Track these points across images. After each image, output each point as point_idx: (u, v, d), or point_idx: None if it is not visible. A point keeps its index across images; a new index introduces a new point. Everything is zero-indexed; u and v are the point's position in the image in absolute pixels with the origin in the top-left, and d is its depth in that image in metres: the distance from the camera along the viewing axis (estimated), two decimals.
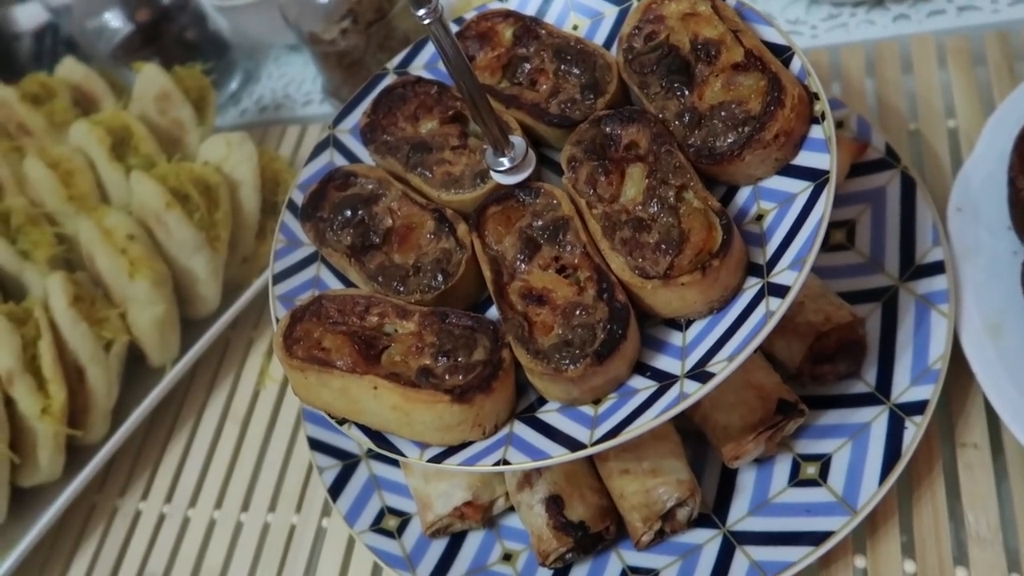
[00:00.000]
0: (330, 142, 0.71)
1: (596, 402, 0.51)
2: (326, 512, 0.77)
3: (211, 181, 0.88)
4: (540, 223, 0.56)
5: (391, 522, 0.69)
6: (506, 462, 0.49)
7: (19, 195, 0.97)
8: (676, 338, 0.52)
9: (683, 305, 0.51)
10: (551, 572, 0.62)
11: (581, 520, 0.60)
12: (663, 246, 0.51)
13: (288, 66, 1.24)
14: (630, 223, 0.53)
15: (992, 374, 0.57)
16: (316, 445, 0.74)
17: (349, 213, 0.62)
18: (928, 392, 0.57)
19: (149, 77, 1.02)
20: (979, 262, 0.63)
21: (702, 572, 0.57)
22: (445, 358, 0.52)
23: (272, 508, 0.80)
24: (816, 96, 0.54)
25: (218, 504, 0.83)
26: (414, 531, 0.68)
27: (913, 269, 0.64)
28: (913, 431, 0.56)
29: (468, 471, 0.50)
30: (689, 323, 0.52)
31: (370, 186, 0.64)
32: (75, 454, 0.85)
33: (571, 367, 0.49)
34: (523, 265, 0.55)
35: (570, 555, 0.61)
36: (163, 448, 0.89)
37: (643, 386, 0.50)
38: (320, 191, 0.64)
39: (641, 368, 0.52)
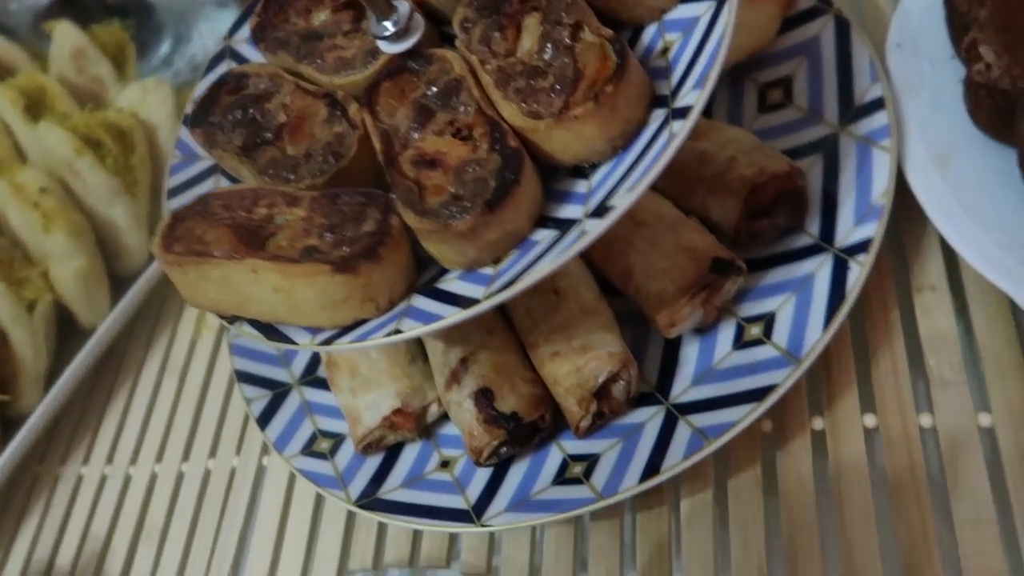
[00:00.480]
0: (226, 54, 0.67)
1: (497, 262, 0.47)
2: (266, 451, 0.73)
3: (124, 125, 0.84)
4: (434, 90, 0.52)
5: (323, 444, 0.64)
6: (398, 331, 0.45)
7: None
8: (582, 186, 0.47)
9: (583, 145, 0.46)
10: (489, 472, 0.58)
11: (513, 411, 0.56)
12: (557, 86, 0.46)
13: (219, 23, 1.19)
14: (524, 72, 0.49)
15: (942, 204, 0.52)
16: (244, 377, 0.70)
17: (240, 113, 0.58)
18: (872, 229, 0.52)
19: (63, 36, 0.97)
20: (922, 95, 0.58)
21: (643, 448, 0.53)
22: (331, 234, 0.48)
23: (212, 454, 0.76)
24: None
25: (159, 458, 0.79)
26: (348, 451, 0.63)
27: (853, 111, 0.59)
28: (858, 270, 0.51)
29: (360, 347, 0.45)
30: (596, 168, 0.48)
31: (263, 84, 0.59)
32: (12, 425, 0.81)
33: (460, 219, 0.44)
34: (416, 134, 0.50)
35: (504, 449, 0.56)
36: (103, 410, 0.85)
37: (544, 237, 0.46)
38: (211, 96, 0.60)
39: (544, 222, 0.47)
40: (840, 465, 0.52)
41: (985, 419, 0.50)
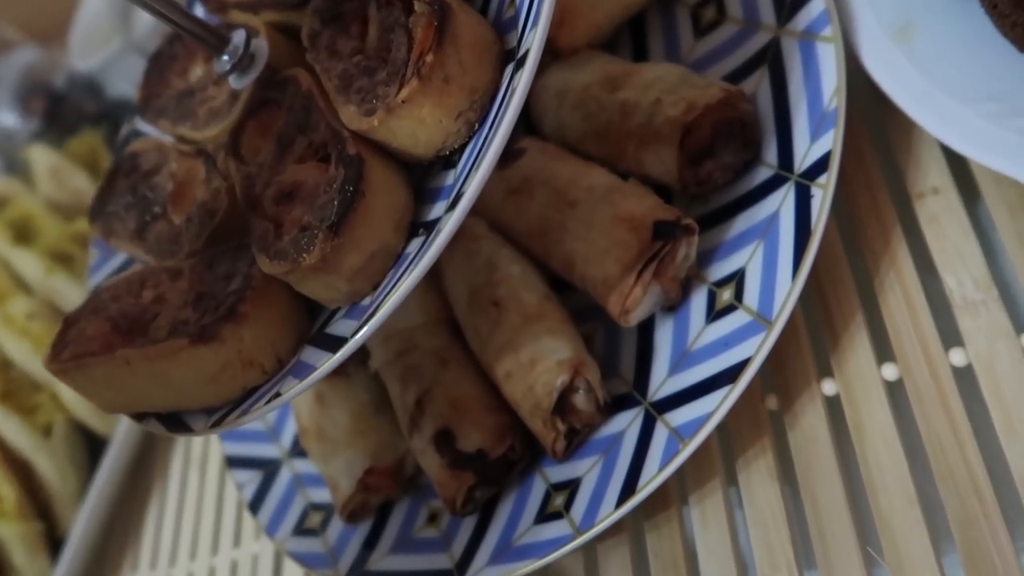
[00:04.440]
0: (130, 137, 0.64)
1: (376, 287, 0.40)
2: None
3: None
4: (291, 115, 0.46)
5: (315, 519, 0.59)
6: (278, 395, 0.39)
7: None
8: (451, 177, 0.40)
9: (432, 131, 0.39)
10: (475, 518, 0.51)
11: (478, 448, 0.49)
12: (391, 73, 0.40)
13: None
14: (366, 69, 0.42)
15: (910, 86, 0.42)
16: (235, 462, 0.66)
17: (131, 195, 0.54)
18: (829, 140, 0.42)
19: (38, 159, 0.99)
20: None
21: (623, 463, 0.44)
22: (199, 301, 0.43)
23: (236, 543, 0.72)
24: None
25: (192, 556, 0.76)
26: (339, 522, 0.58)
27: (788, 5, 0.49)
28: (820, 196, 0.42)
29: (246, 421, 0.40)
30: (461, 152, 0.40)
31: (152, 159, 0.55)
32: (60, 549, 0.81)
33: (308, 252, 0.38)
34: (280, 166, 0.45)
35: (479, 492, 0.49)
36: (142, 515, 0.84)
37: (415, 246, 0.39)
38: (108, 186, 0.56)
39: (416, 229, 0.40)
40: (863, 432, 0.42)
41: None
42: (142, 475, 0.85)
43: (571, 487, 0.47)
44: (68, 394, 0.81)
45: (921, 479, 0.40)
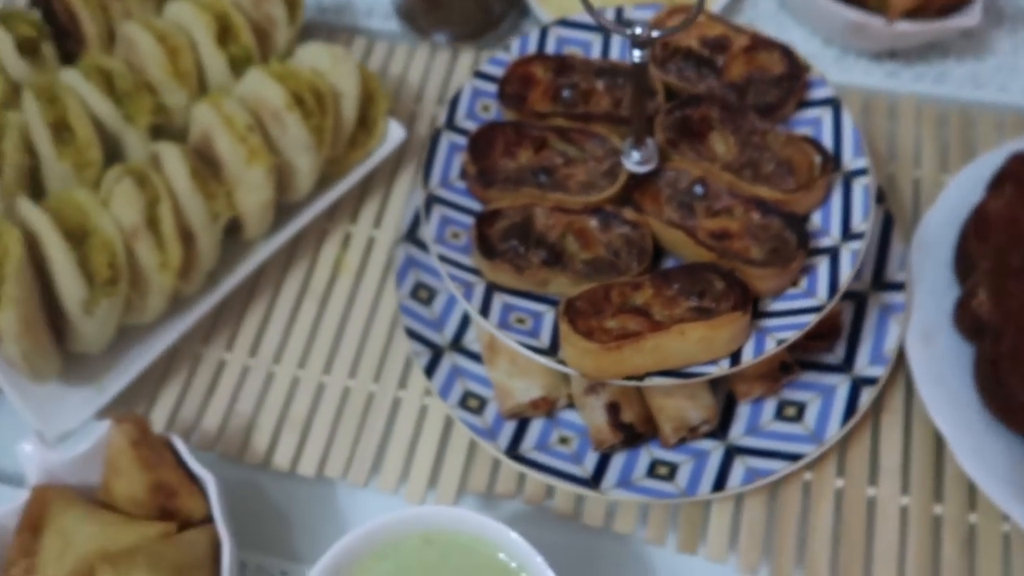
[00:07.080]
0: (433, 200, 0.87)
1: None
2: (402, 384, 0.92)
3: (323, 90, 1.00)
4: (682, 189, 0.77)
5: (472, 403, 0.89)
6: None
7: (106, 53, 1.05)
8: None
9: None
10: (597, 456, 0.86)
11: (631, 422, 0.84)
12: (780, 171, 0.77)
13: None
14: (747, 166, 0.77)
15: (925, 370, 0.84)
16: (412, 335, 0.92)
17: (517, 240, 0.77)
18: (880, 371, 0.84)
19: None
20: (923, 285, 0.90)
21: (711, 469, 0.83)
22: (700, 297, 0.73)
23: (352, 375, 0.93)
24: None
25: (301, 364, 0.94)
26: (490, 412, 0.88)
27: (882, 284, 0.90)
28: (866, 396, 0.83)
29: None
30: None
31: (517, 216, 0.79)
32: (177, 306, 0.97)
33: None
34: (691, 222, 0.76)
35: (618, 446, 0.85)
36: (244, 309, 0.99)
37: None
38: (482, 234, 0.78)
39: None
40: (848, 523, 0.84)
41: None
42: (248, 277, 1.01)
43: (671, 466, 0.84)
44: (247, 202, 0.98)
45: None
